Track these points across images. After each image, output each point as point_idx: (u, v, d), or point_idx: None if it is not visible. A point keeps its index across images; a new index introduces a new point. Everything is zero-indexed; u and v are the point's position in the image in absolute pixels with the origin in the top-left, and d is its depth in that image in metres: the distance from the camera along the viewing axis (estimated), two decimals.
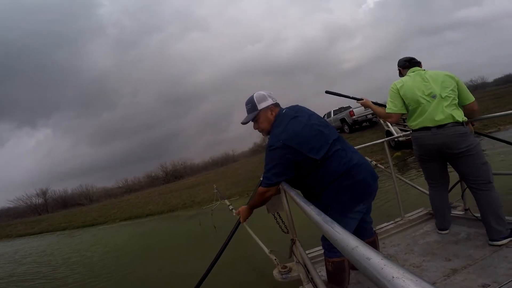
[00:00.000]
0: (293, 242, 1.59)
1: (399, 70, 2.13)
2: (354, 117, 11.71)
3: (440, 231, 2.08)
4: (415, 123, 1.90)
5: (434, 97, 1.81)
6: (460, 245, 1.83)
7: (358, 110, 11.71)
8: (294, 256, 1.67)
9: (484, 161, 1.75)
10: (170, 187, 19.67)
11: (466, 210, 2.10)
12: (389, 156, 2.47)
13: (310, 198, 1.49)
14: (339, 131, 13.41)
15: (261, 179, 1.50)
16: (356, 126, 12.39)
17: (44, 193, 37.66)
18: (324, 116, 14.82)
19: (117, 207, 15.94)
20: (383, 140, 2.45)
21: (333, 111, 14.01)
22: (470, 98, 1.86)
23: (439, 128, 1.79)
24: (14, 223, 22.02)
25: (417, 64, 2.01)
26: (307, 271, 1.43)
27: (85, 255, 6.62)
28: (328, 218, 0.69)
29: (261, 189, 1.50)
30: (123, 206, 15.46)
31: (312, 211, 0.80)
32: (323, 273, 1.89)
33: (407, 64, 2.02)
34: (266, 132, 1.56)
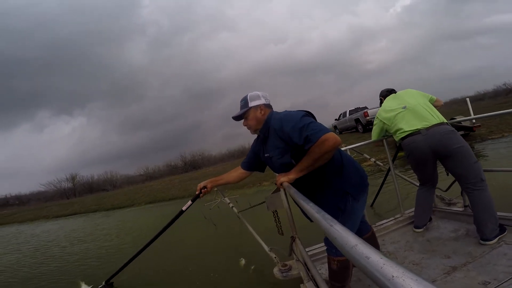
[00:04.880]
0: (293, 240, 1.59)
1: (380, 99, 2.37)
2: (368, 118, 11.95)
3: (415, 229, 2.15)
4: (400, 131, 2.03)
5: (404, 107, 2.04)
6: (460, 242, 1.84)
7: (372, 111, 12.01)
8: (294, 254, 1.67)
9: (476, 159, 1.80)
10: (190, 175, 20.68)
11: (465, 206, 2.10)
12: (388, 154, 2.47)
13: (333, 172, 1.39)
14: (354, 130, 13.70)
15: (306, 138, 1.22)
16: (370, 127, 12.68)
17: (73, 178, 40.18)
18: (340, 116, 15.19)
19: (142, 191, 16.99)
20: (382, 138, 2.45)
21: (349, 111, 14.31)
22: (433, 98, 2.13)
23: (428, 129, 1.89)
24: (50, 205, 23.16)
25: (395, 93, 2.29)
26: (307, 269, 1.44)
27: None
28: (328, 216, 0.68)
29: (319, 142, 1.18)
30: (147, 191, 16.40)
31: (312, 208, 0.80)
32: (323, 270, 1.89)
33: (388, 94, 2.30)
34: (253, 129, 1.54)
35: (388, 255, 1.93)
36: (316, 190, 1.43)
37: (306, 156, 1.25)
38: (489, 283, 1.36)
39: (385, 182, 3.38)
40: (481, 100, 26.05)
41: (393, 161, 2.58)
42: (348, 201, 1.37)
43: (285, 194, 1.58)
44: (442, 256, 1.72)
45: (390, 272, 0.36)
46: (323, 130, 1.21)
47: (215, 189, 4.61)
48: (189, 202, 1.89)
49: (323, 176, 1.37)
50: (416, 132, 1.92)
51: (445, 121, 1.93)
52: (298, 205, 1.09)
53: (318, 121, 1.35)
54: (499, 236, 1.68)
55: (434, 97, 2.15)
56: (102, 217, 12.44)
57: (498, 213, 1.77)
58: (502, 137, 7.44)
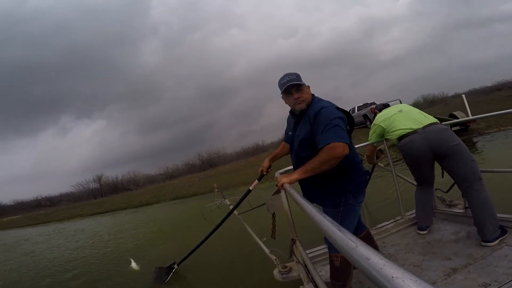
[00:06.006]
0: (293, 242, 1.59)
1: (375, 113, 2.46)
2: None
3: (419, 231, 2.14)
4: (396, 132, 2.06)
5: (400, 111, 2.14)
6: (460, 243, 1.83)
7: None
8: (294, 256, 1.67)
9: (472, 158, 1.82)
10: (207, 173, 22.47)
11: (466, 208, 2.10)
12: (389, 155, 2.47)
13: (342, 172, 1.42)
14: (363, 125, 13.59)
15: (322, 138, 1.27)
16: None
17: (99, 178, 43.89)
18: (349, 111, 15.12)
19: (166, 189, 18.45)
20: (381, 139, 2.45)
21: (357, 106, 14.24)
22: None
23: (424, 128, 1.92)
24: (82, 205, 25.17)
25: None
26: (307, 271, 1.44)
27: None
28: (328, 218, 0.69)
29: (329, 146, 1.22)
30: (171, 189, 17.77)
31: (313, 210, 0.80)
32: (323, 272, 1.89)
33: (384, 108, 2.38)
34: (305, 104, 1.48)
35: (389, 257, 1.93)
36: (320, 185, 1.48)
37: (314, 158, 1.28)
38: (490, 285, 1.35)
39: (385, 184, 3.37)
40: (499, 90, 25.59)
41: (377, 157, 2.61)
42: (349, 198, 1.43)
43: (286, 195, 1.58)
44: (443, 258, 1.72)
45: (390, 273, 0.36)
46: (339, 138, 1.24)
47: (216, 190, 4.65)
48: (256, 182, 2.17)
49: (330, 173, 1.37)
50: (413, 132, 1.95)
51: (438, 122, 1.98)
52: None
53: None
54: (500, 238, 1.68)
55: None
56: (133, 213, 13.83)
57: (499, 215, 1.76)
58: (498, 131, 7.69)
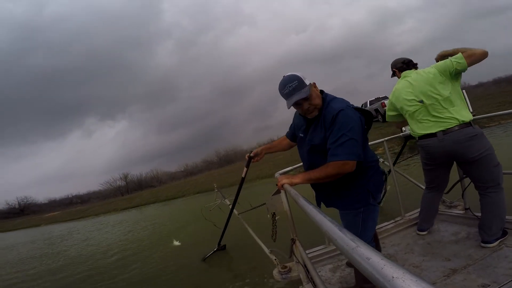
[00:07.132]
0: (293, 242, 1.59)
1: (394, 71, 2.00)
2: (385, 108, 12.00)
3: (419, 232, 2.12)
4: (417, 130, 1.83)
5: (421, 102, 1.75)
6: (460, 244, 1.83)
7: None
8: (294, 256, 1.67)
9: (497, 162, 1.66)
10: (226, 169, 24.18)
11: (466, 209, 2.10)
12: (389, 156, 2.47)
13: (358, 173, 1.34)
14: (375, 119, 13.82)
15: (334, 150, 1.22)
16: None
17: (125, 176, 47.84)
18: (361, 106, 15.46)
19: (189, 184, 20.08)
20: (382, 140, 2.45)
21: (369, 101, 14.49)
22: (458, 57, 1.64)
23: (445, 134, 1.68)
24: (115, 201, 27.67)
25: (414, 66, 1.92)
26: (307, 271, 1.44)
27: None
28: (328, 218, 0.69)
29: (340, 163, 1.21)
30: (194, 184, 19.33)
31: (313, 210, 0.80)
32: (323, 273, 1.89)
33: (404, 67, 1.92)
34: (317, 110, 1.35)
35: (389, 257, 1.92)
36: (337, 187, 1.42)
37: (320, 168, 1.26)
38: (489, 285, 1.36)
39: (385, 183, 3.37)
40: None
41: (396, 159, 2.58)
42: (369, 198, 1.38)
43: (286, 196, 1.58)
44: (443, 259, 1.72)
45: (390, 273, 0.37)
46: (351, 155, 1.21)
47: (216, 190, 4.65)
48: (245, 169, 2.22)
49: (348, 175, 1.30)
50: (432, 135, 1.74)
51: (468, 119, 1.66)
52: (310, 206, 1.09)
53: None
54: (500, 240, 1.67)
55: (459, 53, 1.65)
56: (162, 206, 15.14)
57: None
58: (499, 125, 7.85)
